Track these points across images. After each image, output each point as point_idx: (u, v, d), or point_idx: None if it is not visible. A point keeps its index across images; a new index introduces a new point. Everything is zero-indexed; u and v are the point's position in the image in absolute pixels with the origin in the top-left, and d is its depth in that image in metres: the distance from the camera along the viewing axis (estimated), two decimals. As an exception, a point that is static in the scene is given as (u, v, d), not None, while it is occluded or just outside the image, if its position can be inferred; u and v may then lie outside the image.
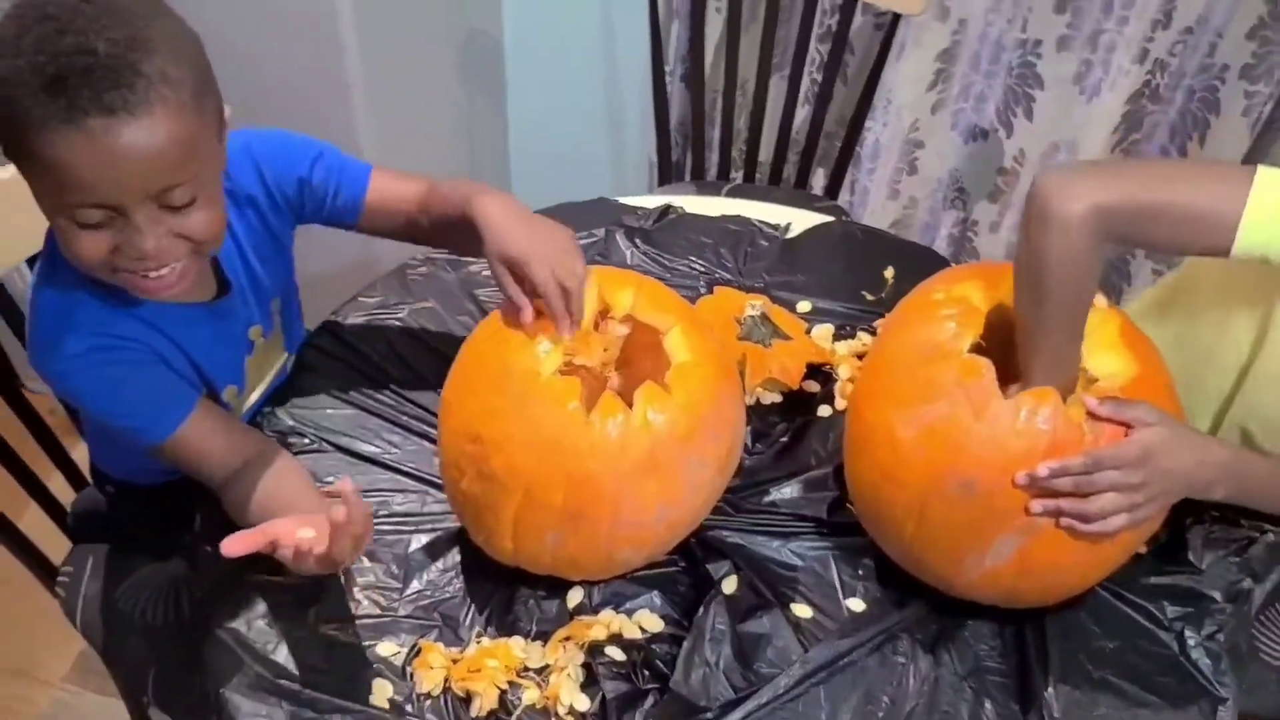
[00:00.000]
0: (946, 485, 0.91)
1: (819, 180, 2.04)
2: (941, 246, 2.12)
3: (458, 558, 1.00)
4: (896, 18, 1.69)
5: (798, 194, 1.89)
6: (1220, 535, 1.06)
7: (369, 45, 1.53)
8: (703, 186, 1.86)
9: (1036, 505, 0.88)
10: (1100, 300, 1.00)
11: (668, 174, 1.91)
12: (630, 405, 0.88)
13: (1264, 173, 0.87)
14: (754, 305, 1.17)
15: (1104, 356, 0.97)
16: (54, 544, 1.32)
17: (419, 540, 1.02)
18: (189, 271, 0.90)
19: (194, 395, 0.99)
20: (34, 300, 0.95)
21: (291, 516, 0.85)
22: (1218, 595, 1.02)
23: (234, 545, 0.80)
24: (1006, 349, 1.02)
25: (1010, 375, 0.94)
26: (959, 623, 0.99)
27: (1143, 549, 1.05)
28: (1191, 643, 0.98)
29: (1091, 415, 0.89)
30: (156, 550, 1.28)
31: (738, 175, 1.95)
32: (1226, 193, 0.87)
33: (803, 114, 1.92)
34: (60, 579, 1.27)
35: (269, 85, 1.50)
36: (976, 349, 0.95)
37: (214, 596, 0.96)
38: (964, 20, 1.80)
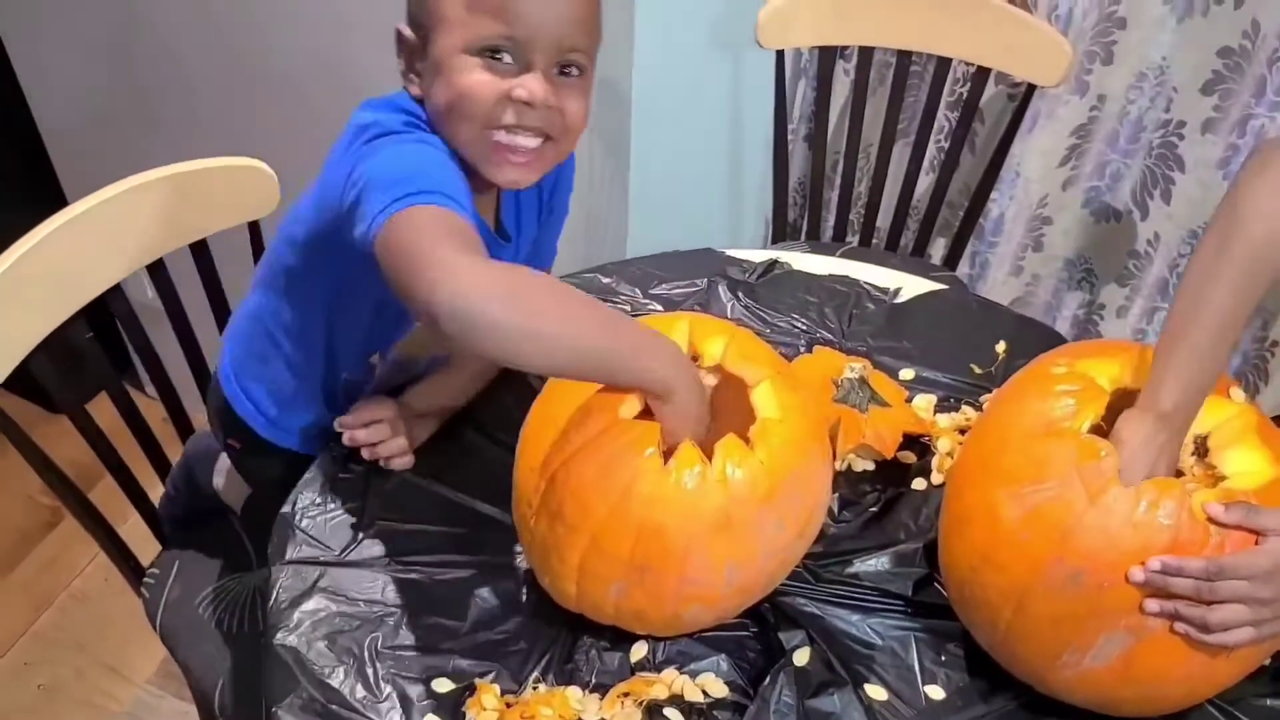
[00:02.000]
0: (1050, 573, 0.84)
1: (938, 250, 1.99)
2: (1064, 328, 2.04)
3: (524, 598, 0.98)
4: (1031, 89, 1.65)
5: (914, 262, 1.84)
6: (1351, 659, 0.96)
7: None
8: (816, 247, 1.83)
9: (1152, 604, 0.81)
10: (1238, 394, 0.93)
11: (782, 232, 1.89)
12: (710, 458, 0.85)
13: None
14: (853, 368, 1.13)
15: (1236, 454, 0.89)
16: (151, 551, 1.35)
17: (487, 576, 1.00)
18: (541, 160, 0.95)
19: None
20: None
21: None
22: (1344, 727, 0.93)
23: None
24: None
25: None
26: (1048, 724, 0.92)
27: (1267, 661, 0.96)
28: (1310, 777, 0.89)
29: (1214, 521, 0.82)
30: (240, 560, 1.30)
31: (854, 239, 1.91)
32: None
33: (926, 182, 1.87)
34: (146, 580, 1.30)
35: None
36: (1096, 432, 0.88)
37: (280, 613, 0.96)
38: (1103, 96, 1.74)
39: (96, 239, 1.15)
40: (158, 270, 1.26)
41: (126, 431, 1.30)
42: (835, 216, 1.88)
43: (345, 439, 1.06)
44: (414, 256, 0.77)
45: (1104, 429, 0.90)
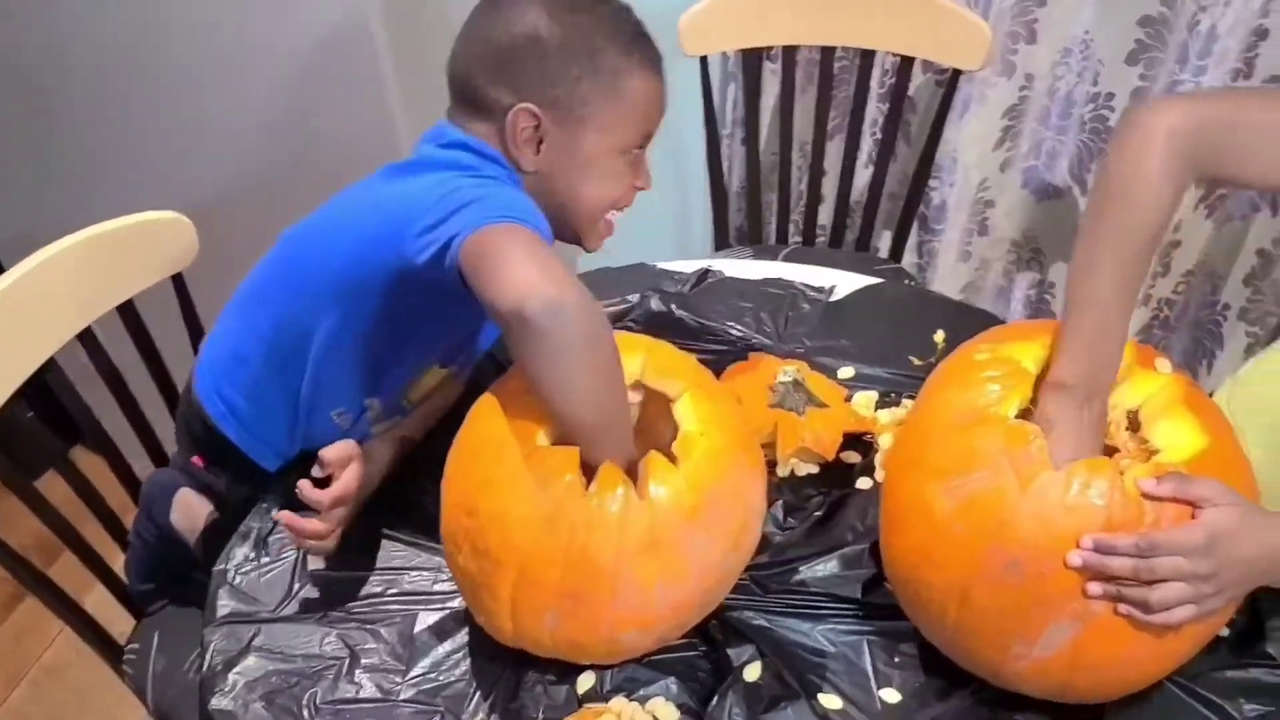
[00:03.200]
0: (990, 565, 0.82)
1: (885, 243, 1.98)
2: (1018, 309, 2.03)
3: (465, 638, 0.96)
4: (957, 74, 1.64)
5: (859, 257, 1.83)
6: (1306, 622, 0.95)
7: (415, 113, 1.53)
8: (760, 250, 1.81)
9: (1094, 587, 0.79)
10: (1164, 365, 0.92)
11: (725, 238, 1.87)
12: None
13: None
14: (787, 371, 1.11)
15: (1166, 426, 0.87)
16: (119, 620, 1.31)
17: (426, 619, 0.97)
18: None
19: None
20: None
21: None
22: (1303, 692, 0.91)
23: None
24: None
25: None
26: (1007, 717, 0.90)
27: (1225, 631, 0.95)
28: (1273, 746, 0.87)
29: (1148, 496, 0.80)
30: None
31: (799, 240, 1.90)
32: None
33: (865, 175, 1.86)
34: (127, 656, 1.25)
35: (318, 143, 1.51)
36: (1025, 416, 0.87)
37: (214, 676, 0.93)
38: (1031, 75, 1.74)
39: (24, 314, 1.12)
40: (88, 338, 1.23)
41: (79, 505, 1.27)
42: (777, 218, 1.87)
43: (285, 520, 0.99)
44: (526, 254, 0.81)
45: (1032, 412, 0.88)
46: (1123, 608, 0.80)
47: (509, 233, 0.83)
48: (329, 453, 0.99)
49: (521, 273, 0.79)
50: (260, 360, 1.05)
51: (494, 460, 0.84)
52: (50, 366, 1.19)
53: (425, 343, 1.06)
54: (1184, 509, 0.80)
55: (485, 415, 0.88)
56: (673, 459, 0.85)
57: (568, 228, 1.04)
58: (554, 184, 1.00)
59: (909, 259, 1.98)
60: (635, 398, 0.93)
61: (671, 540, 0.82)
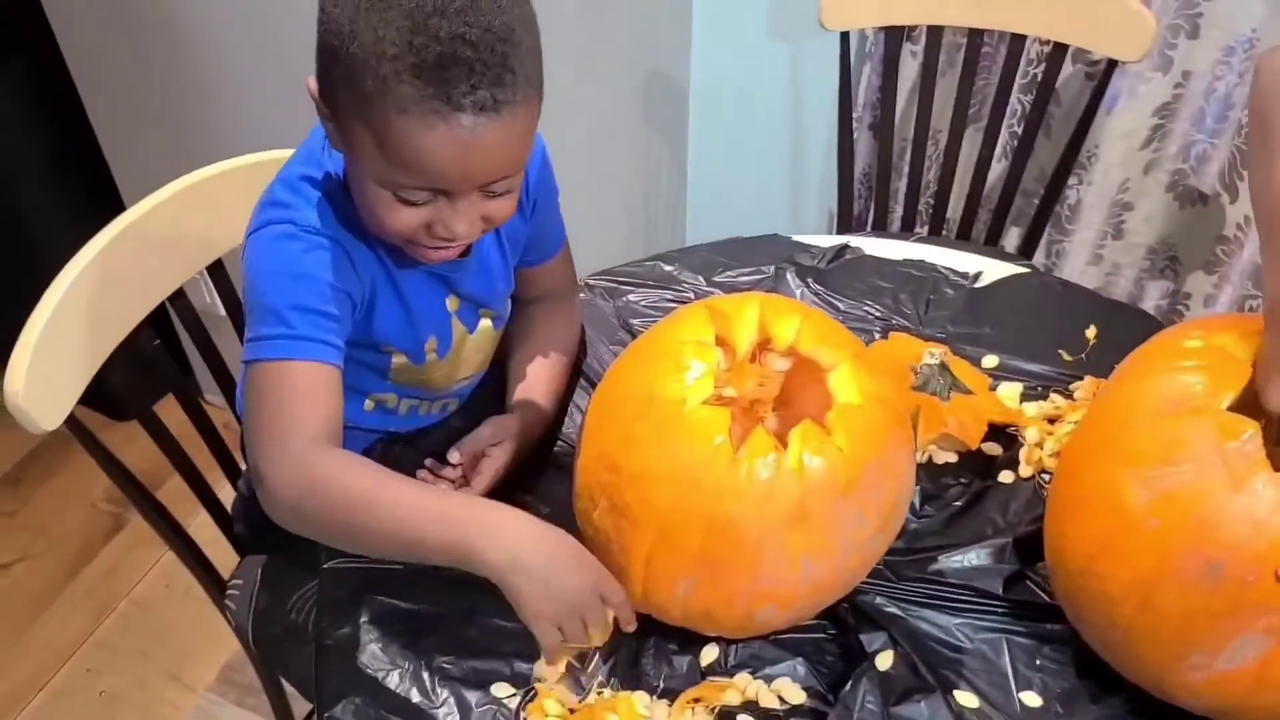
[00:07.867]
0: (1184, 566, 0.76)
1: (1012, 240, 1.90)
2: (1146, 320, 1.94)
3: (587, 599, 0.93)
4: (1111, 66, 1.56)
5: (988, 250, 1.76)
6: None
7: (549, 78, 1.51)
8: (885, 236, 1.75)
9: None
10: None
11: (846, 223, 1.82)
12: (785, 445, 0.79)
13: None
14: (933, 353, 1.06)
15: None
16: (219, 553, 1.30)
17: (547, 576, 0.94)
18: (467, 245, 0.94)
19: (338, 350, 0.87)
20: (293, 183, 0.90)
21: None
22: None
23: None
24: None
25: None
26: (1157, 733, 0.85)
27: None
28: None
29: None
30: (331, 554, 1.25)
31: (923, 230, 1.84)
32: None
33: (999, 169, 1.79)
34: (230, 592, 1.23)
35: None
36: (1235, 411, 0.79)
37: (331, 617, 0.92)
38: (1188, 73, 1.65)
39: (155, 243, 1.13)
40: (217, 271, 1.23)
41: (190, 436, 1.26)
42: (903, 207, 1.81)
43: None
44: (255, 430, 0.83)
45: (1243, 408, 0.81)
46: None
47: (254, 380, 0.84)
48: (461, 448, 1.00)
49: (252, 448, 0.83)
50: None
51: (637, 417, 0.81)
52: (178, 298, 1.19)
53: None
54: None
55: (626, 373, 0.85)
56: (824, 430, 0.80)
57: None
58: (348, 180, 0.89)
59: (1037, 258, 1.90)
60: (781, 364, 0.88)
61: (822, 514, 0.78)
